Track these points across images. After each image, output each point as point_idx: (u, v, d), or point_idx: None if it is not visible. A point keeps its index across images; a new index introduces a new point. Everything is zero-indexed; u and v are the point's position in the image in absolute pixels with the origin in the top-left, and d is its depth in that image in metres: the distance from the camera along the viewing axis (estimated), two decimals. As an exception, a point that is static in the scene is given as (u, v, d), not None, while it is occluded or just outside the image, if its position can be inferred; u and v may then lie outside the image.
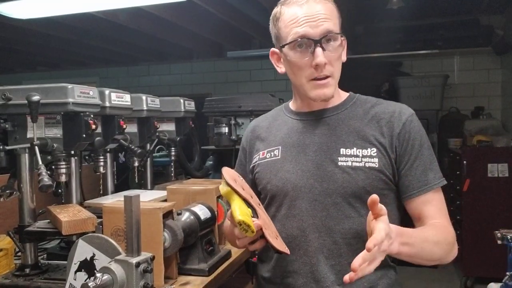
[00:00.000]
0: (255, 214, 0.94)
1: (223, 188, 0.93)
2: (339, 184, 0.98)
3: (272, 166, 1.07)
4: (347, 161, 0.99)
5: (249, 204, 0.93)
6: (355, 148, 1.00)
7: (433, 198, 1.01)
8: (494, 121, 4.09)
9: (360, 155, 0.99)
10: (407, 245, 0.87)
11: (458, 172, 3.71)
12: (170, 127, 2.25)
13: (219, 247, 1.51)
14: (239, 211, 0.89)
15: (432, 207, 1.01)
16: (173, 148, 2.20)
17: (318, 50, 0.97)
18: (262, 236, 0.92)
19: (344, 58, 1.06)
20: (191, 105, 2.34)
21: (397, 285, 1.06)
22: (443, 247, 0.97)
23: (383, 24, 4.38)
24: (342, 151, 1.01)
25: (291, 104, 1.16)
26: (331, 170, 1.00)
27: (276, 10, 1.05)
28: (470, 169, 3.50)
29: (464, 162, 3.52)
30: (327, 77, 1.00)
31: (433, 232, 0.97)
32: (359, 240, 0.98)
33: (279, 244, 0.94)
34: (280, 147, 1.08)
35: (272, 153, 1.09)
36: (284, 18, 1.02)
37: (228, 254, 1.52)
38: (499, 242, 1.98)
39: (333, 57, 1.00)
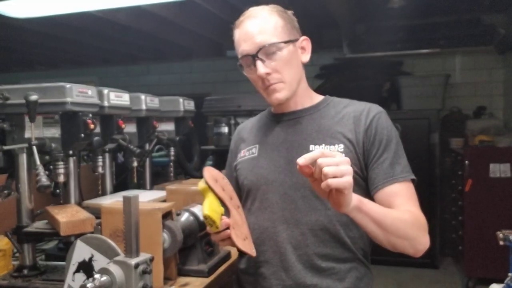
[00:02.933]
0: (228, 214, 1.01)
1: (200, 185, 1.00)
2: (307, 178, 1.01)
3: (250, 163, 1.16)
4: None
5: (223, 204, 1.01)
6: (323, 145, 1.07)
7: (401, 189, 1.04)
8: (496, 121, 4.09)
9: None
10: (367, 207, 0.92)
11: (460, 172, 3.71)
12: (169, 126, 2.25)
13: (219, 248, 1.50)
14: (208, 206, 0.96)
15: (401, 198, 1.03)
16: (172, 148, 2.19)
17: (258, 63, 1.06)
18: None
19: (305, 59, 1.13)
20: (190, 105, 2.34)
21: (367, 279, 1.11)
22: (409, 226, 0.99)
23: (384, 23, 4.37)
24: (312, 147, 1.08)
25: (272, 108, 1.24)
26: None
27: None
28: (472, 169, 3.49)
29: (466, 162, 3.51)
30: (276, 83, 1.08)
31: (397, 211, 1.01)
32: (325, 231, 1.06)
33: (245, 245, 1.01)
34: (257, 145, 1.18)
35: (250, 151, 1.18)
36: (235, 40, 1.13)
37: (228, 255, 1.51)
38: (501, 243, 1.98)
39: (277, 65, 1.07)
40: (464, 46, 4.24)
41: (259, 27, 1.07)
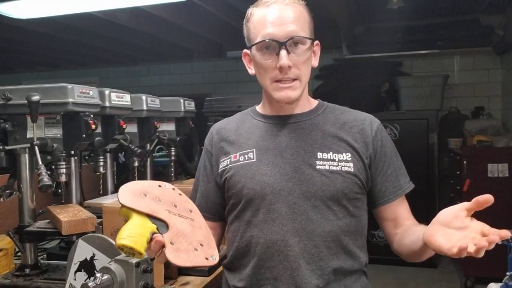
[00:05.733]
0: (163, 227, 0.84)
1: (119, 210, 0.85)
2: (318, 187, 0.99)
3: (247, 169, 1.04)
4: (325, 164, 1.01)
5: (155, 218, 0.84)
6: (331, 153, 1.02)
7: (402, 198, 1.08)
8: (494, 121, 4.10)
9: (337, 159, 1.01)
10: None
11: (458, 172, 3.72)
12: (170, 127, 2.26)
13: (219, 247, 1.51)
14: (127, 232, 0.79)
15: (404, 208, 1.07)
16: (173, 148, 2.21)
17: (282, 52, 0.98)
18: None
19: (315, 63, 1.08)
20: (191, 105, 2.35)
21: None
22: None
23: (383, 24, 4.38)
24: (319, 155, 1.02)
25: (259, 108, 1.15)
26: (310, 173, 1.00)
27: (248, 11, 1.07)
28: (470, 169, 3.50)
29: (464, 162, 3.52)
30: (293, 80, 1.01)
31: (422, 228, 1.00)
32: (338, 243, 1.00)
33: (195, 258, 0.84)
34: (254, 150, 1.06)
35: (246, 156, 1.06)
36: (253, 19, 1.04)
37: (228, 254, 1.51)
38: (499, 242, 1.98)
39: (299, 60, 1.01)
40: (463, 47, 4.25)
41: (293, 16, 0.99)
